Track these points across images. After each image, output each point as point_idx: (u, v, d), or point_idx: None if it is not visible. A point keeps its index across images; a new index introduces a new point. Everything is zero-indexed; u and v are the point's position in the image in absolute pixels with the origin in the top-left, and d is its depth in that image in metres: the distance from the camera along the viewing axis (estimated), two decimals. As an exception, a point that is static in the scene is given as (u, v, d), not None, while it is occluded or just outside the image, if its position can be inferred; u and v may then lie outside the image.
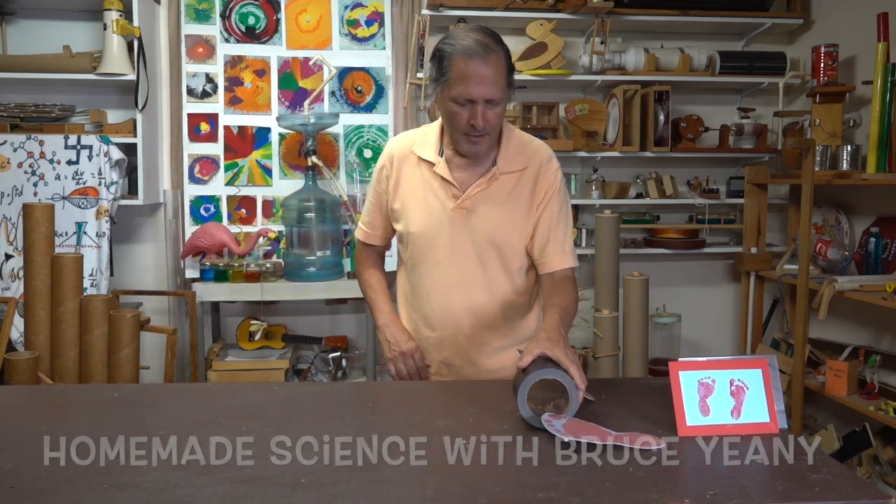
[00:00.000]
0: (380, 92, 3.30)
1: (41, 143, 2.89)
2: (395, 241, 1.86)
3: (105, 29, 2.95)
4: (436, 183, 1.67)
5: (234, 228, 3.22)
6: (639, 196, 3.52)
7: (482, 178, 1.65)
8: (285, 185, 3.24)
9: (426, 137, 1.72)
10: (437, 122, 1.72)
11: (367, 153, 3.30)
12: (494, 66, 1.53)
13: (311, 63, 3.24)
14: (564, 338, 1.43)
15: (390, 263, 2.12)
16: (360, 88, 3.29)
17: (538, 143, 1.73)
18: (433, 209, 1.67)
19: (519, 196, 1.67)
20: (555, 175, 1.69)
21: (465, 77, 1.52)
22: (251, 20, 3.23)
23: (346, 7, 3.28)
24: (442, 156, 1.68)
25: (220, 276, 3.01)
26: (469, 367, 1.73)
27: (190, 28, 3.20)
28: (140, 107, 3.00)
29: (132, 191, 3.10)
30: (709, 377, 1.25)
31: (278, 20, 3.24)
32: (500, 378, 1.62)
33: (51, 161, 2.89)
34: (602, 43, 3.24)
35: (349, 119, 3.28)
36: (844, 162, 2.95)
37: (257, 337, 3.13)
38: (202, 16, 3.20)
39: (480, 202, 1.66)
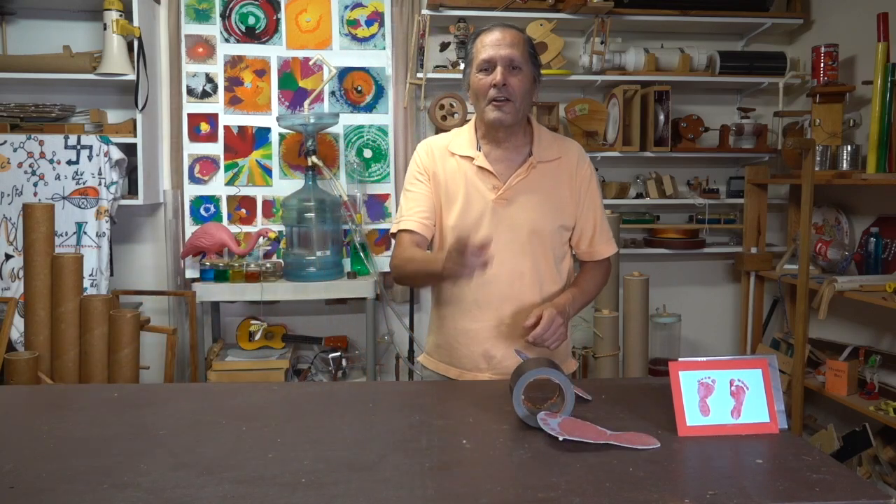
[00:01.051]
0: (380, 92, 3.30)
1: (41, 143, 2.89)
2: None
3: (105, 29, 2.95)
4: (475, 176, 1.71)
5: (234, 228, 3.22)
6: (639, 196, 3.52)
7: (521, 168, 1.70)
8: (285, 185, 3.24)
9: (459, 136, 1.78)
10: (469, 123, 1.78)
11: (367, 153, 3.30)
12: (512, 35, 1.66)
13: (311, 63, 3.24)
14: (567, 315, 1.64)
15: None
16: (360, 88, 3.29)
17: (569, 139, 1.83)
18: (474, 201, 1.70)
19: (557, 186, 1.73)
20: (589, 166, 1.78)
21: (485, 45, 1.65)
22: (251, 20, 3.23)
23: (346, 7, 3.28)
24: (479, 150, 1.72)
25: (220, 276, 3.01)
26: (511, 359, 1.69)
27: (190, 28, 3.20)
28: (140, 107, 3.00)
29: (132, 191, 3.10)
30: (709, 377, 1.25)
31: (278, 20, 3.24)
32: None
33: (51, 161, 2.89)
34: (602, 43, 3.24)
35: (349, 119, 3.28)
36: (844, 162, 2.95)
37: (257, 337, 3.13)
38: (202, 16, 3.21)
39: (521, 192, 1.69)
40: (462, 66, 3.24)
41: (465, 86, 1.74)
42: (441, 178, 1.74)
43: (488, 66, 1.64)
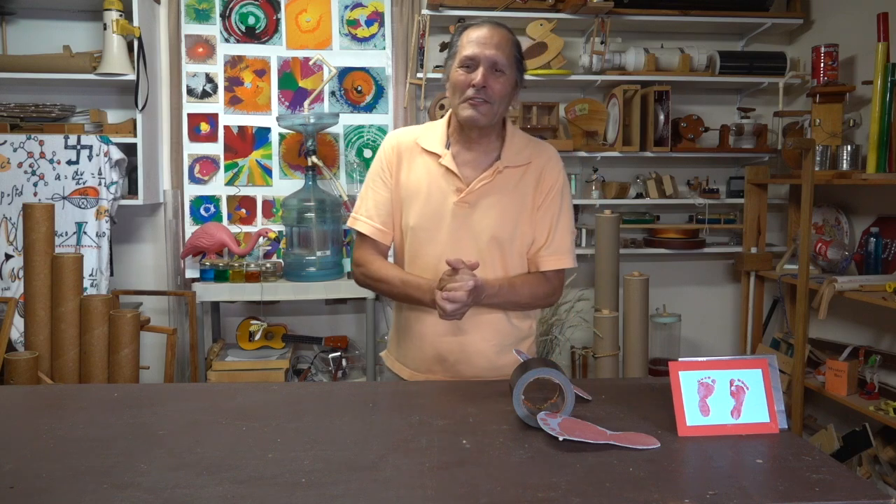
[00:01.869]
0: (380, 92, 3.30)
1: (41, 143, 2.89)
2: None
3: (105, 29, 2.95)
4: (440, 176, 1.66)
5: (234, 228, 3.22)
6: (639, 196, 3.52)
7: (486, 172, 1.65)
8: (285, 185, 3.24)
9: (431, 130, 1.72)
10: (444, 118, 1.72)
11: (367, 153, 3.30)
12: (500, 35, 1.60)
13: (311, 63, 3.24)
14: (486, 294, 1.56)
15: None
16: (360, 88, 3.29)
17: (545, 143, 1.75)
18: (435, 202, 1.65)
19: (522, 193, 1.67)
20: (559, 174, 1.70)
21: (471, 40, 1.60)
22: (251, 20, 3.23)
23: (346, 7, 3.28)
24: (448, 149, 1.67)
25: (220, 276, 3.01)
26: (464, 364, 1.69)
27: (190, 28, 3.20)
28: (140, 107, 3.00)
29: (132, 191, 3.10)
30: (709, 377, 1.25)
31: (278, 20, 3.24)
32: (495, 378, 1.63)
33: (51, 161, 2.89)
34: (602, 43, 3.24)
35: (349, 119, 3.28)
36: (844, 162, 2.95)
37: (257, 337, 3.13)
38: (202, 16, 3.21)
39: (483, 197, 1.64)
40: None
41: (444, 76, 1.69)
42: (403, 177, 1.69)
43: (471, 64, 1.59)
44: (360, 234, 1.74)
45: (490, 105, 1.59)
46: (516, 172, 1.67)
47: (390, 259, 1.77)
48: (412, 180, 1.68)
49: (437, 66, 3.30)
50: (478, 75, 1.57)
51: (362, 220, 1.72)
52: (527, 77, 3.23)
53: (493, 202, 1.64)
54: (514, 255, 1.68)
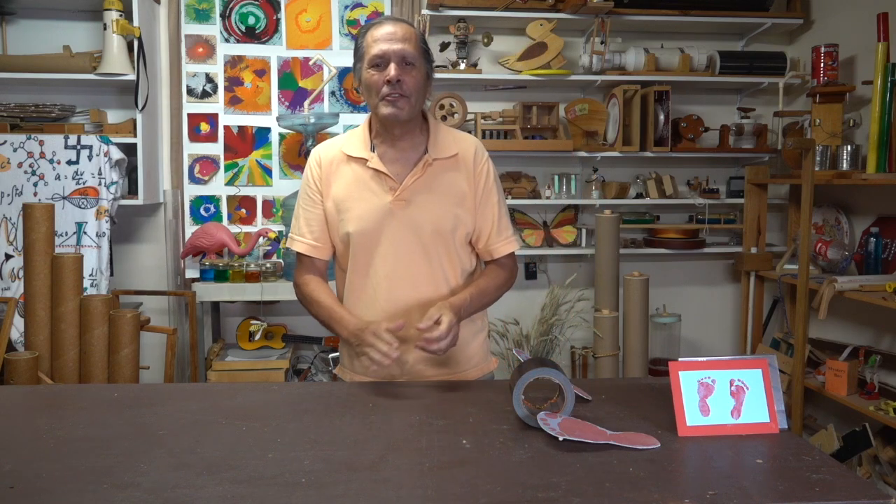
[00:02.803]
0: (380, 92, 3.30)
1: (41, 143, 2.89)
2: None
3: (105, 29, 2.95)
4: (370, 179, 1.65)
5: (234, 228, 3.22)
6: (639, 196, 3.52)
7: (416, 167, 1.65)
8: (285, 185, 3.24)
9: (352, 137, 1.71)
10: (363, 122, 1.73)
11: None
12: (404, 29, 1.61)
13: (311, 63, 3.24)
14: (461, 317, 1.59)
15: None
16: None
17: (466, 134, 1.76)
18: (371, 205, 1.64)
19: (455, 184, 1.67)
20: (488, 164, 1.73)
21: (377, 39, 1.60)
22: (251, 20, 3.23)
23: (346, 7, 3.28)
24: (374, 151, 1.67)
25: (220, 276, 3.01)
26: (422, 363, 1.68)
27: (190, 28, 3.20)
28: (140, 107, 3.00)
29: (132, 191, 3.10)
30: (709, 377, 1.25)
31: (278, 20, 3.24)
32: (461, 375, 1.68)
33: (51, 161, 2.89)
34: (602, 43, 3.24)
35: (349, 119, 3.27)
36: (844, 162, 2.95)
37: (257, 337, 3.13)
38: (202, 16, 3.21)
39: (418, 192, 1.64)
40: (452, 65, 3.26)
41: (356, 81, 1.69)
42: (333, 189, 1.68)
43: (380, 62, 1.58)
44: (298, 253, 1.75)
45: (407, 98, 1.59)
46: (446, 164, 1.67)
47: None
48: (342, 189, 1.67)
49: (438, 66, 3.29)
50: (391, 70, 1.57)
51: (297, 239, 1.74)
52: (527, 77, 3.27)
53: (428, 196, 1.65)
54: (458, 244, 1.68)
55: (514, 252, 1.76)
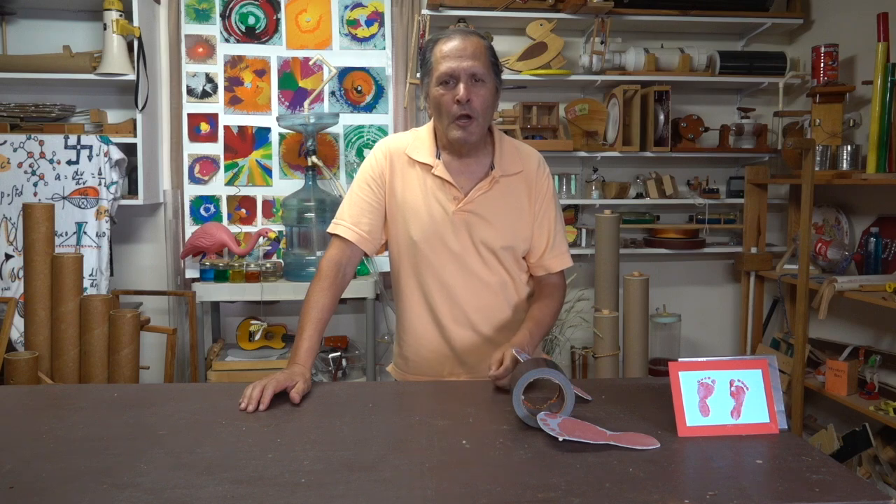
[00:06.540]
0: (380, 92, 3.30)
1: (41, 143, 2.89)
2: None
3: (105, 29, 2.95)
4: (435, 186, 1.65)
5: (234, 228, 3.22)
6: (639, 196, 3.52)
7: (483, 182, 1.65)
8: (285, 185, 3.25)
9: (418, 140, 1.70)
10: (428, 126, 1.71)
11: (367, 153, 3.30)
12: (474, 44, 1.58)
13: (311, 63, 3.24)
14: (534, 348, 1.61)
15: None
16: (360, 88, 3.29)
17: (530, 148, 1.77)
18: (435, 213, 1.65)
19: (518, 200, 1.69)
20: (549, 179, 1.74)
21: (445, 56, 1.57)
22: (251, 20, 3.23)
23: (346, 7, 3.28)
24: (439, 158, 1.66)
25: (220, 276, 3.01)
26: (485, 364, 1.66)
27: (190, 28, 3.20)
28: (140, 107, 3.00)
29: (132, 191, 3.10)
30: (709, 377, 1.25)
31: (278, 20, 3.24)
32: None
33: (51, 161, 2.89)
34: (602, 43, 3.24)
35: (349, 119, 3.28)
36: (844, 162, 2.95)
37: (257, 337, 3.13)
38: (202, 16, 3.21)
39: (482, 206, 1.65)
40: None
41: (423, 96, 1.67)
42: (399, 189, 1.67)
43: (449, 80, 1.56)
44: (335, 238, 1.68)
45: (476, 120, 1.58)
46: (511, 181, 1.68)
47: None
48: (408, 192, 1.67)
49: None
50: (460, 90, 1.55)
51: (346, 225, 1.68)
52: (527, 77, 3.27)
53: (492, 211, 1.66)
54: (516, 261, 1.71)
55: (564, 270, 1.76)
